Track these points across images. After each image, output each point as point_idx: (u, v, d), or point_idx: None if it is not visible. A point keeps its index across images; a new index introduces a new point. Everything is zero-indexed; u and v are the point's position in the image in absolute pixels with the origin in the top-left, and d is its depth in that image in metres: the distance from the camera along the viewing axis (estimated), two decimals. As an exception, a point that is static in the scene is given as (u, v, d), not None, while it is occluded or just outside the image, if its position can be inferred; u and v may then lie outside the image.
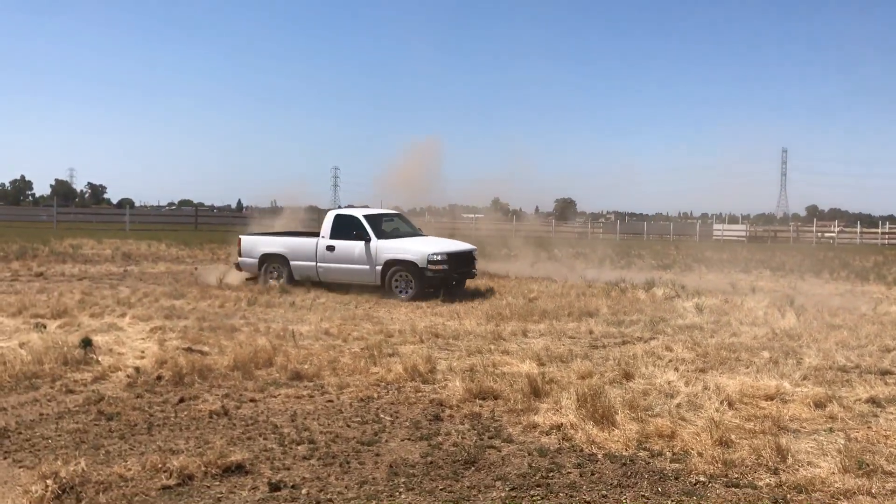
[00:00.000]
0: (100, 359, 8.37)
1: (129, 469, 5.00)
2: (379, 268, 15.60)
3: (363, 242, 15.81)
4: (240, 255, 17.26)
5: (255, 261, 16.81)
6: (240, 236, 17.69)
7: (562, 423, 6.14)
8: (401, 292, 15.21)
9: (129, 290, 14.89)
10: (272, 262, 16.72)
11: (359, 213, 16.72)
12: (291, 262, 16.51)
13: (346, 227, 16.16)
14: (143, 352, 9.01)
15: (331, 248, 16.05)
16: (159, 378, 7.56)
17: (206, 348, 9.17)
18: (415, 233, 17.57)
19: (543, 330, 11.30)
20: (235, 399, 6.93)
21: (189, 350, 8.97)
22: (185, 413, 6.42)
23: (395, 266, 15.43)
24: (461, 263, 16.23)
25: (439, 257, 15.25)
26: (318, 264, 16.19)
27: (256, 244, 17.20)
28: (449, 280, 15.67)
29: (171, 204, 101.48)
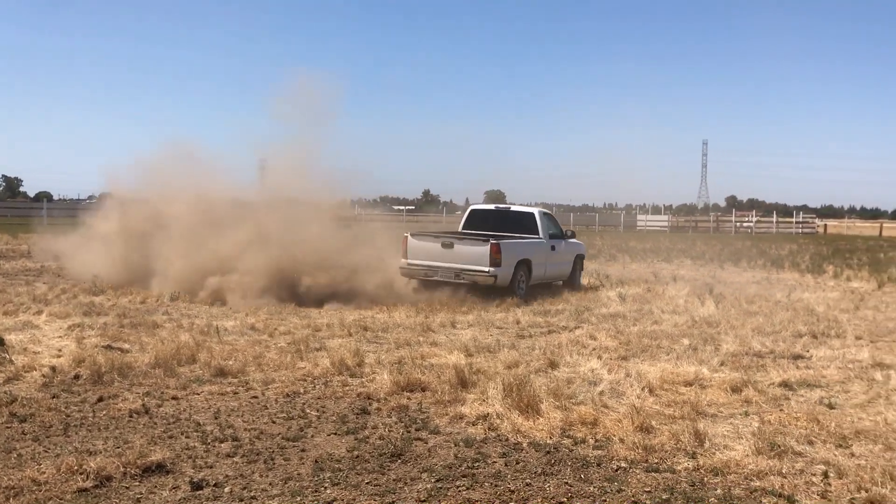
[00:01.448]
0: (13, 358, 8.04)
1: (43, 472, 4.83)
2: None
3: (564, 241, 16.53)
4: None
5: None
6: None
7: (488, 413, 6.20)
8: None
9: (47, 287, 14.36)
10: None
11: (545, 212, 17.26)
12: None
13: (552, 226, 16.51)
14: (60, 350, 8.70)
15: (553, 248, 15.87)
16: (77, 377, 7.31)
17: (126, 346, 8.92)
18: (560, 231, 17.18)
19: (472, 321, 11.39)
20: (157, 397, 6.77)
21: (109, 348, 8.71)
22: (104, 413, 6.23)
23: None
24: None
25: None
26: (547, 264, 15.67)
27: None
28: None
29: (90, 197, 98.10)
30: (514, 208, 17.06)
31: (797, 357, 9.06)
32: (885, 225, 75.70)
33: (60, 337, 9.62)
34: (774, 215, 68.81)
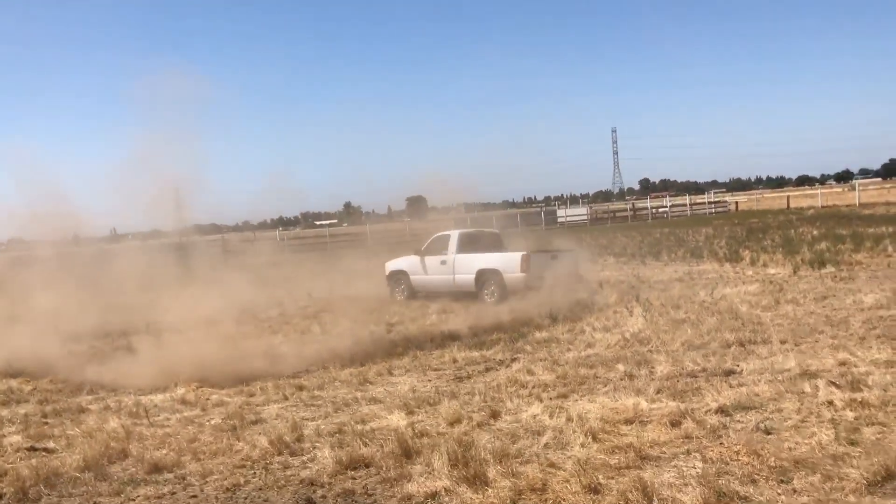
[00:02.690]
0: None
1: None
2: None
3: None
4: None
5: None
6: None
7: (436, 491, 6.12)
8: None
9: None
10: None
11: None
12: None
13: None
14: (-23, 458, 8.23)
15: None
16: (0, 497, 6.92)
17: (51, 444, 8.48)
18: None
19: (408, 365, 11.30)
20: (90, 510, 6.46)
21: (32, 450, 8.28)
22: (34, 542, 5.91)
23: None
24: None
25: None
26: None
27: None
28: None
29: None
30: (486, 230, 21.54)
31: (729, 373, 9.28)
32: (791, 195, 78.95)
33: (-23, 438, 9.10)
34: (688, 198, 70.91)
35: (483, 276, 17.84)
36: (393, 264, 20.47)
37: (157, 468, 7.31)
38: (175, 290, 16.76)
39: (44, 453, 8.14)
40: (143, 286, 18.70)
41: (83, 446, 7.95)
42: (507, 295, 17.13)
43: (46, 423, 9.38)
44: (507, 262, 17.56)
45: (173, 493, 6.72)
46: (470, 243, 18.86)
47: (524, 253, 17.52)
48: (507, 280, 17.36)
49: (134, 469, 7.38)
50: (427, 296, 19.16)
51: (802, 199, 74.65)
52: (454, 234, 19.24)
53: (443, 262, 18.74)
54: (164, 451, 7.79)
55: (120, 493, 6.78)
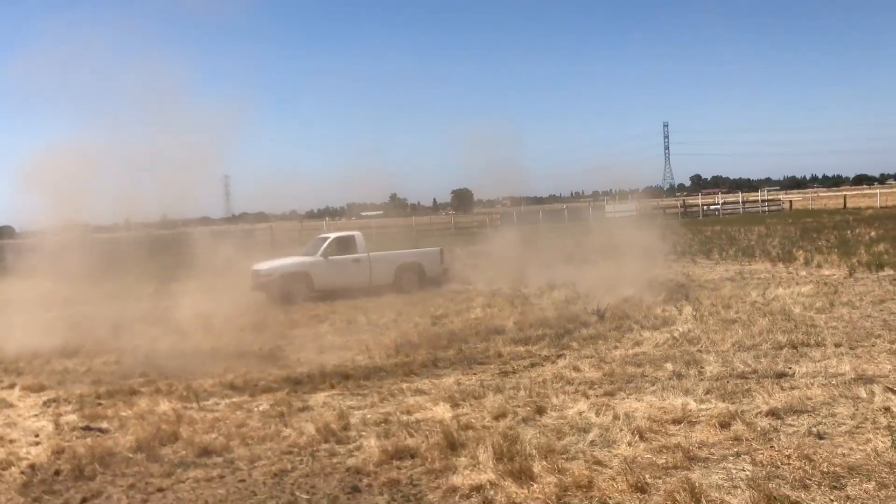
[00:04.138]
0: (-11, 451, 7.82)
1: None
2: None
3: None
4: None
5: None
6: None
7: (481, 484, 6.11)
8: None
9: (15, 350, 13.99)
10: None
11: None
12: None
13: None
14: (37, 435, 8.48)
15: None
16: (57, 473, 7.12)
17: (105, 424, 8.71)
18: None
19: (453, 357, 11.30)
20: (142, 490, 6.60)
21: (87, 429, 8.51)
22: (89, 519, 6.07)
23: None
24: None
25: None
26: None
27: None
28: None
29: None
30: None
31: (781, 375, 9.09)
32: (847, 194, 76.92)
33: (36, 415, 9.40)
34: (740, 195, 69.60)
35: (402, 270, 21.04)
36: (284, 267, 20.23)
37: (206, 451, 7.46)
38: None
39: (98, 433, 8.36)
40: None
41: (136, 428, 8.14)
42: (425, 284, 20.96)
43: (100, 404, 9.63)
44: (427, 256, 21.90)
45: (222, 477, 6.84)
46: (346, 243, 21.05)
47: (440, 249, 22.56)
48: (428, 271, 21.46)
49: (184, 452, 7.54)
50: (369, 293, 19.66)
51: (860, 198, 72.79)
52: (359, 235, 21.69)
53: (356, 261, 20.58)
54: (214, 435, 7.94)
55: (171, 475, 6.93)
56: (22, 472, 7.21)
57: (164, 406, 9.19)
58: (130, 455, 7.48)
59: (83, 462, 7.20)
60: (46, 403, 9.89)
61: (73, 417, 9.08)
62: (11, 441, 8.33)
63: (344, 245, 20.88)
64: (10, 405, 9.96)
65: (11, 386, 11.01)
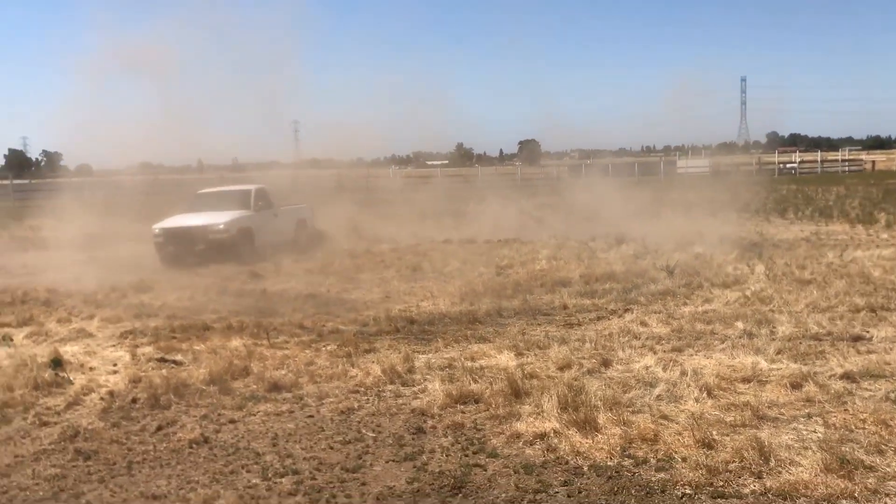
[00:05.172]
0: (72, 377, 8.17)
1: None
2: None
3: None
4: None
5: None
6: None
7: (545, 432, 6.12)
8: None
9: (95, 284, 14.55)
10: None
11: None
12: None
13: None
14: (115, 364, 8.84)
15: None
16: (134, 401, 7.41)
17: (179, 357, 9.00)
18: None
19: (517, 307, 11.27)
20: (214, 421, 6.83)
21: (162, 360, 8.82)
22: (165, 445, 6.30)
23: None
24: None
25: None
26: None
27: None
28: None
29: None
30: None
31: (857, 339, 8.81)
32: (935, 157, 73.37)
33: (114, 346, 9.78)
34: (819, 154, 67.04)
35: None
36: (230, 223, 17.74)
37: (276, 387, 7.65)
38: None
39: (172, 365, 8.66)
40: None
41: (208, 361, 8.39)
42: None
43: (174, 338, 9.95)
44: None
45: (291, 412, 7.02)
46: None
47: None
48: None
49: (255, 386, 7.75)
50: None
51: (948, 161, 69.39)
52: (266, 188, 20.71)
53: (275, 216, 19.69)
54: (283, 372, 8.14)
55: (242, 408, 7.14)
56: (101, 399, 7.54)
57: (236, 342, 9.45)
58: (203, 387, 7.73)
59: (159, 392, 7.47)
60: (123, 335, 10.26)
61: (148, 349, 9.42)
62: (91, 369, 8.70)
63: (264, 199, 19.58)
64: (90, 335, 10.38)
65: (91, 317, 11.45)
